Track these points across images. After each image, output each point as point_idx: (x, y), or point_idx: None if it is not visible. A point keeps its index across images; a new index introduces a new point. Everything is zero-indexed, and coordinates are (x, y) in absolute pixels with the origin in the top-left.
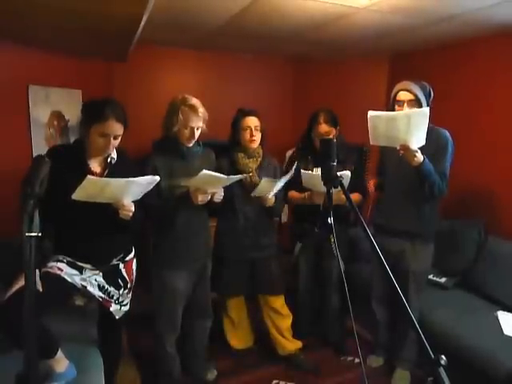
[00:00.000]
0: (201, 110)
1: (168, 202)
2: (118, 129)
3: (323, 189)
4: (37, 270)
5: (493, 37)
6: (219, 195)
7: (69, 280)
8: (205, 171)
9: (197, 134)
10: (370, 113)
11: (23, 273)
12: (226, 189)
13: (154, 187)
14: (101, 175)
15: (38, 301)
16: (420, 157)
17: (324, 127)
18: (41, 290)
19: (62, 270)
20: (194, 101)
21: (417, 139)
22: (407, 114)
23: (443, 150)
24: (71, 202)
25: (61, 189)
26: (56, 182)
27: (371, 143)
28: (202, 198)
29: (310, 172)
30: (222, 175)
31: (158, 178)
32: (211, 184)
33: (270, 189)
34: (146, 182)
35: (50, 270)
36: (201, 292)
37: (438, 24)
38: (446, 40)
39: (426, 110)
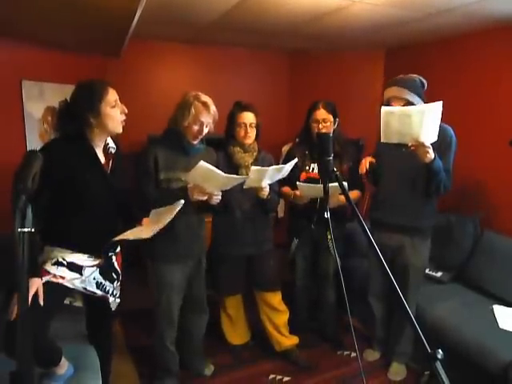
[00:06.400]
0: (213, 107)
1: (166, 194)
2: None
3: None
4: (39, 279)
5: (491, 30)
6: (217, 198)
7: (70, 287)
8: (202, 162)
9: (205, 130)
10: (384, 108)
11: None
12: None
13: (152, 177)
14: (106, 165)
15: (42, 313)
16: (432, 153)
17: (322, 112)
18: (42, 303)
19: (63, 278)
20: (207, 98)
21: (430, 135)
22: (422, 108)
23: (448, 147)
24: (80, 191)
25: (70, 178)
26: (64, 172)
27: (382, 141)
28: (197, 196)
29: (306, 184)
30: (219, 172)
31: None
32: (210, 181)
33: (261, 178)
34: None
35: (52, 279)
36: (196, 288)
37: (435, 17)
38: (443, 33)
39: (439, 103)
